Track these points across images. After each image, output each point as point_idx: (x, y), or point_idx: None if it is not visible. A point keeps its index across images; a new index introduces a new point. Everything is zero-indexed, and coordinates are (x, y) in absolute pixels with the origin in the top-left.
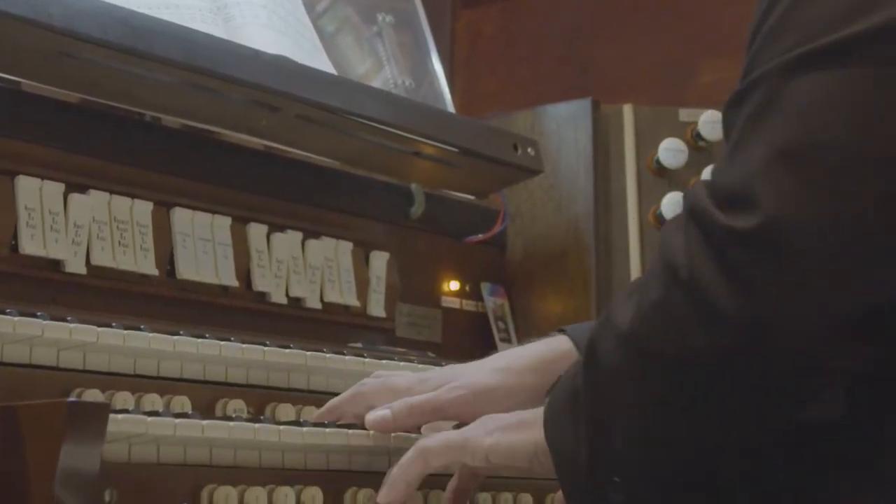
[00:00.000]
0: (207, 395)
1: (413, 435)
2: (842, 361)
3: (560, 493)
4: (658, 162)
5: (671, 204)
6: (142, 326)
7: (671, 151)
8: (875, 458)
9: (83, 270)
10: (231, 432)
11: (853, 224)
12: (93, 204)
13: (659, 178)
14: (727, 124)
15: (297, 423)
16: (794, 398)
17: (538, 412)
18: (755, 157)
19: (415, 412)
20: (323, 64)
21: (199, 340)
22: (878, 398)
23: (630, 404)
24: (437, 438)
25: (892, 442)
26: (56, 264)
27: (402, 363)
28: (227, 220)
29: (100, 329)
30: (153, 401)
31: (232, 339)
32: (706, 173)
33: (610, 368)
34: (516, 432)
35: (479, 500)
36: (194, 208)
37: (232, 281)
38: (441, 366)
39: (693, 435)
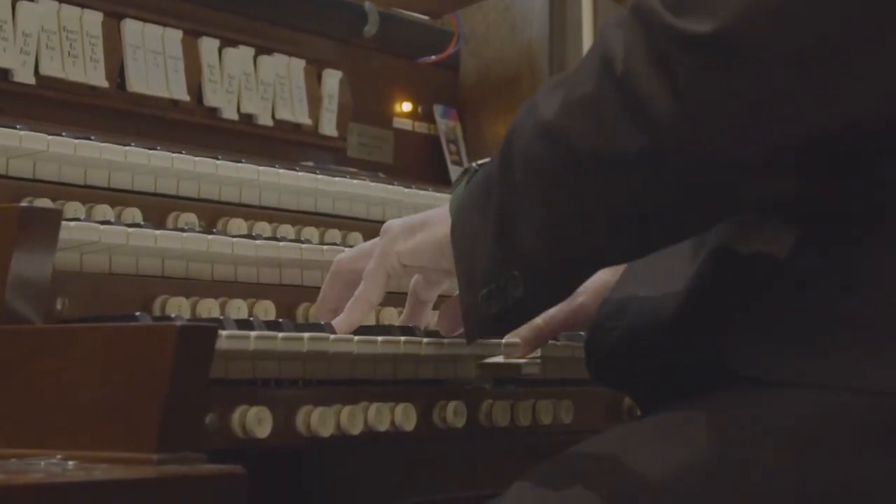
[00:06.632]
0: (158, 208)
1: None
2: (763, 189)
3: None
4: None
5: None
6: (92, 137)
7: None
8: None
9: (32, 80)
10: (184, 243)
11: (815, 45)
12: (42, 12)
13: (615, 2)
14: None
15: (250, 236)
16: (710, 214)
17: (444, 207)
18: None
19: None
20: None
21: (151, 152)
22: (825, 239)
23: (543, 190)
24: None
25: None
26: (4, 73)
27: (354, 181)
28: (179, 34)
29: (50, 137)
30: (104, 212)
31: (184, 152)
32: None
33: (526, 157)
34: (422, 232)
35: None
36: (145, 20)
37: (183, 95)
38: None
39: (601, 234)
